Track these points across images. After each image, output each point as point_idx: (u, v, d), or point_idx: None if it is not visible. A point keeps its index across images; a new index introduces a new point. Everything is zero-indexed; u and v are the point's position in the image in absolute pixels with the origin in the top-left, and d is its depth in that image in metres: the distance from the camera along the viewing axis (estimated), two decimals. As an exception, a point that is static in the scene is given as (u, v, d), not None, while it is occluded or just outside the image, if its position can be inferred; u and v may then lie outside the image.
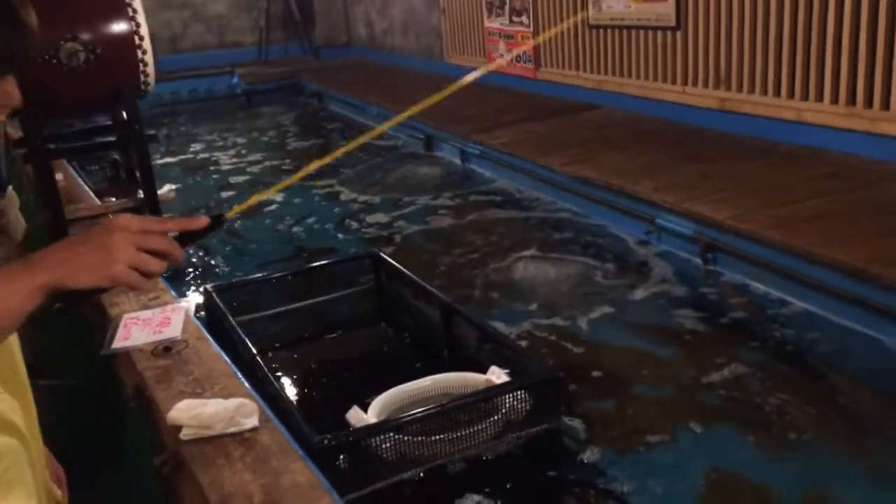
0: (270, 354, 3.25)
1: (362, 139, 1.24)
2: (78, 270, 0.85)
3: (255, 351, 2.76)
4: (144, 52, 3.14)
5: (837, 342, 3.14)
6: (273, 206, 5.76)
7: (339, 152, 1.22)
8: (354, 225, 5.36)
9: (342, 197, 5.95)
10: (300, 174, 1.14)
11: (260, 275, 3.76)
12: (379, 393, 2.63)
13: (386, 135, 7.63)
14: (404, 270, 3.42)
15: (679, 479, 2.45)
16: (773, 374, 2.97)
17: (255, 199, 1.04)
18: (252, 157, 7.42)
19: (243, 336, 2.86)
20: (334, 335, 3.45)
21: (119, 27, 3.14)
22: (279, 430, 1.96)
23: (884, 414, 2.74)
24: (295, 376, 3.20)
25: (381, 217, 5.41)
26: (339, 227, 5.34)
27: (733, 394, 2.88)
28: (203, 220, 0.93)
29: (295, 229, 5.37)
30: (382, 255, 3.62)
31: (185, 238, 0.92)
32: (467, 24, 8.19)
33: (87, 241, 0.87)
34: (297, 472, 1.81)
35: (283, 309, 3.46)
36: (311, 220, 5.53)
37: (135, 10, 3.17)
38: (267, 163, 7.26)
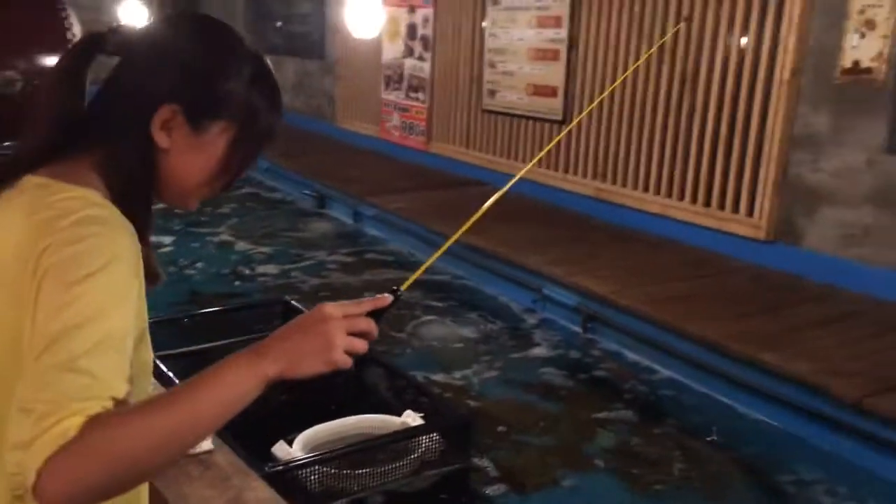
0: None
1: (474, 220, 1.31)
2: (302, 360, 0.93)
3: (179, 383, 2.85)
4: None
5: (696, 406, 3.66)
6: (165, 249, 5.74)
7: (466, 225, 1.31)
8: (247, 272, 5.46)
9: (235, 246, 6.03)
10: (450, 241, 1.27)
11: (171, 314, 3.81)
12: (294, 431, 2.80)
13: (277, 189, 7.78)
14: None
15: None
16: (638, 429, 3.46)
17: (421, 271, 1.14)
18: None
19: (167, 370, 2.94)
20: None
21: (53, 60, 3.31)
22: (232, 453, 2.11)
23: (729, 466, 3.25)
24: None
25: (274, 268, 5.54)
26: (233, 274, 5.42)
27: (606, 444, 3.34)
28: (387, 299, 1.03)
29: (188, 272, 5.39)
30: (293, 301, 3.80)
31: (374, 315, 1.01)
32: (363, 92, 8.56)
33: (305, 332, 0.95)
34: (259, 489, 1.97)
35: (193, 349, 3.53)
36: (202, 264, 5.57)
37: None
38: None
